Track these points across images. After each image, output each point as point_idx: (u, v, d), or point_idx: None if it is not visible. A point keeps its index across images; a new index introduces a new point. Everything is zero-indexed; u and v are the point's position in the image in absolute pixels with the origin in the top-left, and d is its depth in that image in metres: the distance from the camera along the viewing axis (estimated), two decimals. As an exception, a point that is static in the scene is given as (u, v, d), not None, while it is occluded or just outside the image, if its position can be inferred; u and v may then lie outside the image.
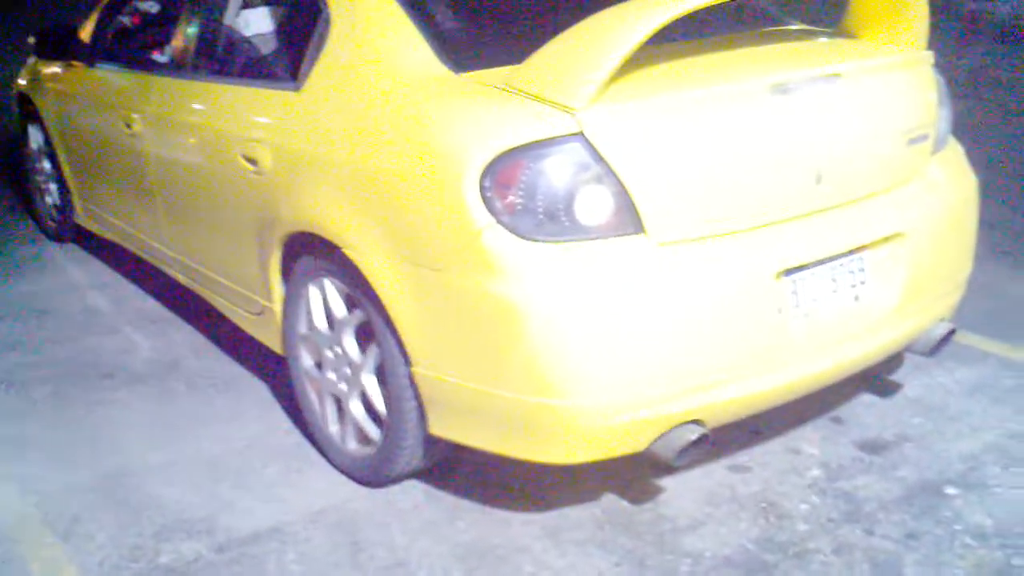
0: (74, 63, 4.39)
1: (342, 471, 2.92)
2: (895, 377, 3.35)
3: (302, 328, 2.94)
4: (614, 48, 2.22)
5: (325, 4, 2.82)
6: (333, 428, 2.93)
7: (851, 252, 2.60)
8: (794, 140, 2.49)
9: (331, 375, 2.87)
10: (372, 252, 2.49)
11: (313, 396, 2.99)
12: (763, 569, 2.45)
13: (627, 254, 2.28)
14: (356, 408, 2.80)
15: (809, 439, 3.01)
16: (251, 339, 3.37)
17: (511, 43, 2.55)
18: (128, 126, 3.72)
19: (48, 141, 4.84)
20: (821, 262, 2.53)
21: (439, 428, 2.57)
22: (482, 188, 2.26)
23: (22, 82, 5.07)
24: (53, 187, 5.00)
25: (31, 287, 4.63)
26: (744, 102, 2.42)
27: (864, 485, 2.77)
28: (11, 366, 3.78)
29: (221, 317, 3.58)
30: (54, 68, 4.59)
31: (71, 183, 4.73)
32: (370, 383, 2.73)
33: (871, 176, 2.66)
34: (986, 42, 9.83)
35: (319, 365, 2.94)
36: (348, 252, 2.57)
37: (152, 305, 4.32)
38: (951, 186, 2.87)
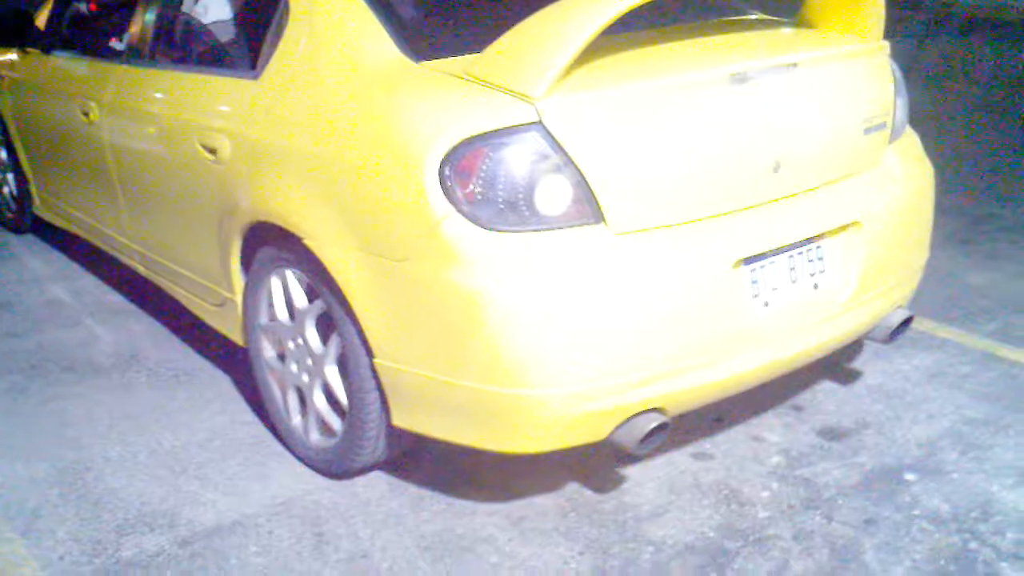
0: (30, 50, 4.33)
1: (305, 463, 2.91)
2: (855, 364, 3.39)
3: (263, 319, 2.92)
4: (573, 37, 2.21)
5: (284, -9, 2.79)
6: (296, 420, 2.92)
7: (809, 240, 2.62)
8: (752, 129, 2.50)
9: (293, 366, 2.86)
10: (332, 242, 2.48)
11: (275, 388, 2.97)
12: (724, 555, 2.47)
13: (586, 244, 2.29)
14: (318, 399, 2.79)
15: (771, 426, 3.04)
16: (213, 330, 3.34)
17: (471, 32, 2.54)
18: (85, 115, 3.67)
19: (5, 130, 4.77)
20: (780, 250, 2.55)
21: (401, 419, 2.56)
22: (442, 177, 2.25)
23: (-24, 70, 4.99)
24: (11, 177, 4.93)
25: (-10, 279, 4.57)
26: (703, 91, 2.43)
27: (824, 471, 2.81)
28: (-31, 360, 3.74)
29: (183, 308, 3.55)
30: (9, 55, 4.52)
31: (29, 173, 4.66)
32: (332, 374, 2.72)
33: (828, 165, 2.68)
34: (951, 33, 9.95)
35: (281, 356, 2.92)
36: (308, 242, 2.55)
37: (113, 297, 4.28)
38: (908, 175, 2.90)
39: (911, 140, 3.02)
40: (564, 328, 2.26)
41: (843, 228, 2.68)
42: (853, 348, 3.41)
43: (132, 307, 4.14)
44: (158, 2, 3.45)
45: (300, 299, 2.76)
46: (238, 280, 2.99)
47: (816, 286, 2.65)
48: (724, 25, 2.93)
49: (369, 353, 2.52)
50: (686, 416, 2.63)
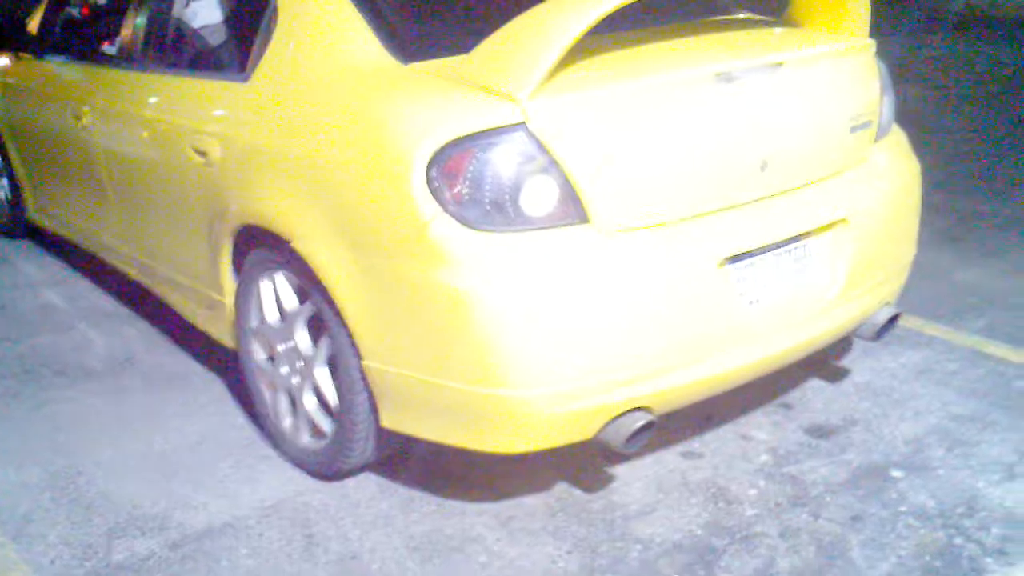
0: (22, 55, 4.34)
1: (296, 465, 2.92)
2: (843, 362, 3.40)
3: (254, 322, 2.93)
4: (558, 38, 2.23)
5: (272, -5, 2.81)
6: (286, 422, 2.93)
7: (796, 238, 2.63)
8: (738, 128, 2.51)
9: (283, 369, 2.87)
10: (321, 244, 2.49)
11: (266, 390, 2.98)
12: (711, 553, 2.48)
13: (573, 244, 2.30)
14: (309, 401, 2.80)
15: (759, 424, 3.06)
16: (205, 333, 3.36)
17: (459, 33, 2.55)
18: (78, 119, 3.68)
19: (-2, 135, 4.78)
20: (766, 249, 2.57)
21: (390, 420, 2.58)
22: (429, 178, 2.27)
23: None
24: (4, 182, 4.93)
25: (-17, 284, 4.57)
26: (689, 91, 2.45)
27: (811, 469, 2.82)
28: (-38, 364, 3.74)
29: (176, 312, 3.56)
30: (1, 60, 4.52)
31: (22, 178, 4.67)
32: (322, 376, 2.73)
33: (815, 163, 2.69)
34: (945, 32, 9.97)
35: (271, 359, 2.93)
36: (297, 244, 2.56)
37: (107, 301, 4.29)
38: (894, 172, 2.91)
39: (898, 138, 3.04)
40: (550, 327, 2.27)
41: (830, 226, 2.70)
42: (842, 346, 3.43)
43: (126, 311, 4.15)
44: (148, 7, 3.47)
45: (290, 301, 2.78)
46: (229, 283, 3.00)
47: (803, 284, 2.66)
48: (710, 24, 2.94)
49: (358, 355, 2.53)
50: (675, 415, 2.65)
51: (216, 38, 3.22)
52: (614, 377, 2.35)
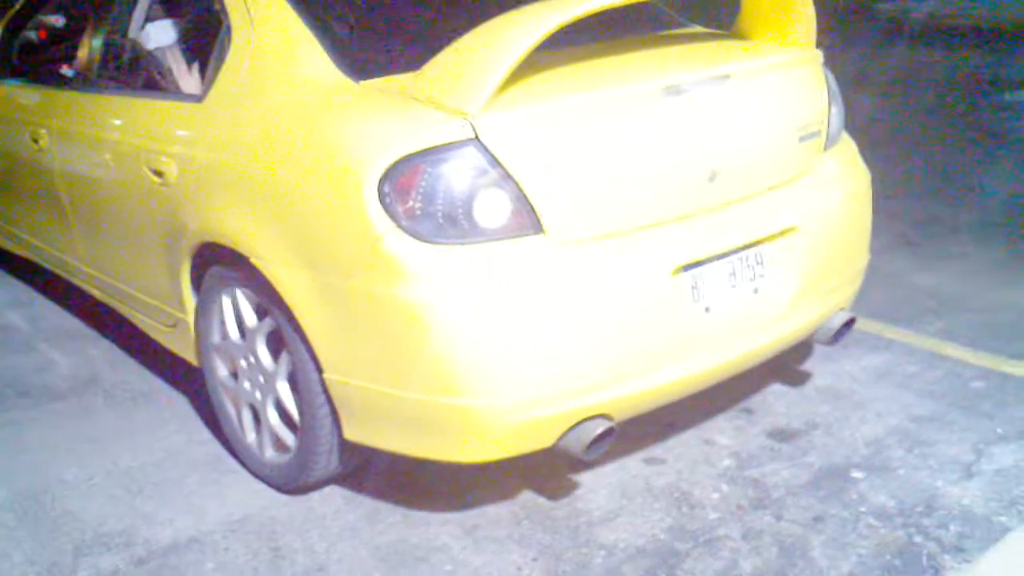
0: (-20, 79, 4.32)
1: (261, 479, 2.93)
2: (805, 367, 3.45)
3: (215, 338, 2.94)
4: (507, 53, 2.26)
5: (226, 15, 2.83)
6: (250, 437, 2.94)
7: (748, 247, 2.67)
8: (688, 140, 2.56)
9: (246, 384, 2.88)
10: (278, 261, 2.51)
11: (229, 406, 2.99)
12: (674, 557, 2.51)
13: (527, 254, 2.33)
14: (271, 416, 2.82)
15: (721, 429, 3.09)
16: (169, 351, 3.36)
17: (409, 50, 2.58)
18: (36, 141, 3.68)
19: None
20: (719, 257, 2.61)
21: (353, 433, 2.59)
22: (381, 194, 2.29)
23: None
24: (-34, 205, 4.89)
25: (-56, 307, 4.54)
26: (638, 104, 2.48)
27: (773, 472, 2.86)
28: (-76, 388, 3.72)
29: (140, 330, 3.56)
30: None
31: (-18, 200, 4.64)
32: (284, 390, 2.74)
33: (764, 173, 2.74)
34: (905, 42, 10.11)
35: (234, 375, 2.94)
36: (255, 261, 2.58)
37: (70, 322, 4.27)
38: (843, 180, 2.96)
39: (847, 146, 3.09)
40: (507, 337, 2.30)
41: (781, 233, 2.74)
42: (803, 350, 3.47)
43: (89, 331, 4.13)
44: (105, 29, 3.48)
45: (250, 317, 2.79)
46: (189, 300, 3.01)
47: (757, 290, 2.70)
48: (659, 38, 2.99)
49: (319, 368, 2.55)
50: (638, 421, 2.68)
51: (171, 59, 3.22)
52: (572, 385, 2.38)
